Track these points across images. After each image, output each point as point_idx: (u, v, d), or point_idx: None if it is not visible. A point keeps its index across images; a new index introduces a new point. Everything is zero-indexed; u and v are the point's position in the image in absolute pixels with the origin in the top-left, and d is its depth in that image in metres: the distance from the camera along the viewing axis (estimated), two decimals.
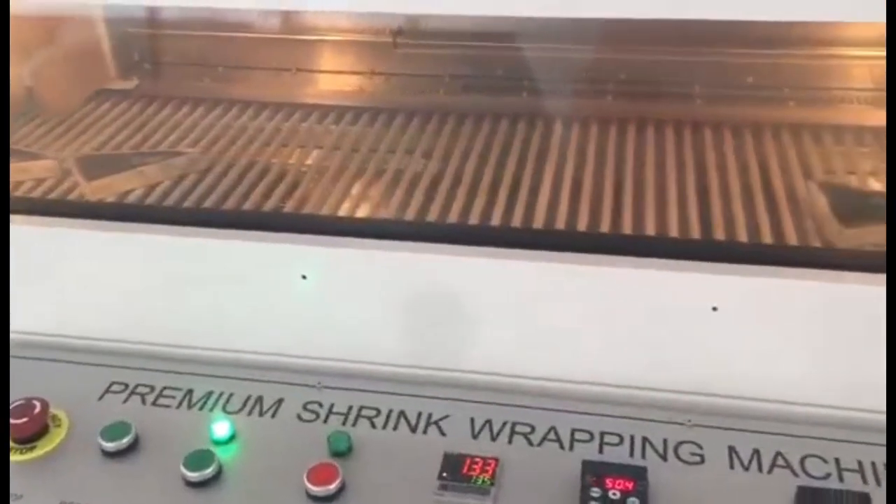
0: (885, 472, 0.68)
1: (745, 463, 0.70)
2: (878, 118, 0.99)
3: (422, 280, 0.78)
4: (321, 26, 1.22)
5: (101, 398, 0.80)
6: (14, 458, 0.74)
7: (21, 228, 0.82)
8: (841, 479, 0.68)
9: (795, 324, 0.71)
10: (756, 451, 0.71)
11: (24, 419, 0.74)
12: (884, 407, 0.67)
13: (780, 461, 0.70)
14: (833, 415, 0.73)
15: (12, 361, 0.84)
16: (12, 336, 0.86)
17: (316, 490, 0.68)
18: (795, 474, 0.69)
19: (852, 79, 1.05)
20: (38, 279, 0.85)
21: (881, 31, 0.59)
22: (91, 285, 0.85)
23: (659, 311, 0.74)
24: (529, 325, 0.78)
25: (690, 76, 1.09)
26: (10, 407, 0.75)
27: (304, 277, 0.79)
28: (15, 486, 0.71)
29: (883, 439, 0.70)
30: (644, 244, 0.79)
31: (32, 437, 0.75)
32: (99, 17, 1.26)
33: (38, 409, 0.75)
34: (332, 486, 0.68)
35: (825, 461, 0.70)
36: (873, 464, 0.70)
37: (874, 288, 0.67)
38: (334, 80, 1.22)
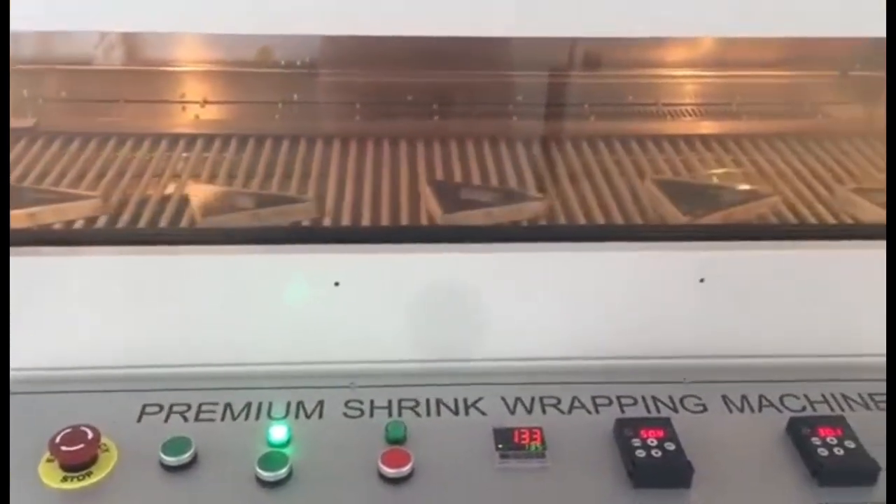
0: (845, 401, 0.85)
1: (740, 406, 0.84)
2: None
3: (439, 280, 0.86)
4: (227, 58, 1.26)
5: (139, 420, 0.81)
6: (69, 486, 0.73)
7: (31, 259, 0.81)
8: (814, 409, 0.84)
9: (764, 289, 0.87)
10: (744, 397, 0.85)
11: (80, 446, 0.73)
12: (838, 351, 0.84)
13: (765, 402, 0.85)
14: (798, 362, 0.89)
15: (31, 398, 0.83)
16: (32, 373, 0.84)
17: (392, 472, 0.74)
18: (779, 410, 0.84)
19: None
20: (48, 313, 0.84)
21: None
22: (104, 312, 0.84)
23: (654, 286, 0.86)
24: (539, 311, 0.87)
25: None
26: (60, 436, 0.74)
27: (336, 284, 0.84)
28: None
29: (833, 377, 0.87)
30: (635, 230, 0.92)
31: (86, 464, 0.74)
32: None
33: (91, 436, 0.74)
34: (406, 468, 0.74)
35: (797, 398, 0.85)
36: (833, 395, 0.86)
37: (831, 252, 0.84)
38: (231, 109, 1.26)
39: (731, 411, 0.84)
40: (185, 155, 1.14)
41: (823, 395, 0.86)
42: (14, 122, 1.20)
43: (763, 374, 0.87)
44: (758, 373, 0.88)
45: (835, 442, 0.77)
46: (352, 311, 0.85)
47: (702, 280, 0.86)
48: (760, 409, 0.84)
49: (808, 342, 0.88)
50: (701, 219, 0.95)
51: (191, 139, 1.17)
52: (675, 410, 0.84)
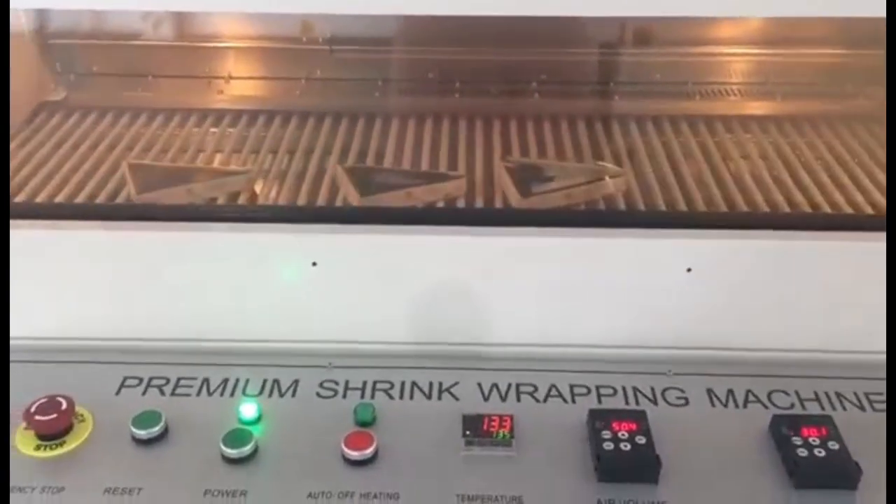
0: (838, 400, 0.81)
1: (724, 401, 0.81)
2: None
3: (419, 263, 0.85)
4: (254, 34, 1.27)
5: (118, 393, 0.82)
6: (42, 454, 0.75)
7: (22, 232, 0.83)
8: (803, 407, 0.80)
9: (755, 280, 0.83)
10: (730, 391, 0.82)
11: (53, 416, 0.75)
12: (829, 346, 0.80)
13: (752, 397, 0.81)
14: (789, 357, 0.85)
15: (17, 366, 0.85)
16: (14, 342, 0.86)
17: (354, 455, 0.74)
18: (766, 407, 0.80)
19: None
20: (39, 282, 0.86)
21: None
22: (92, 285, 0.86)
23: (639, 275, 0.83)
24: (520, 297, 0.86)
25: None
26: (35, 405, 0.76)
27: (314, 265, 0.84)
28: (52, 480, 0.72)
29: (827, 374, 0.83)
30: (622, 217, 0.89)
31: (60, 434, 0.76)
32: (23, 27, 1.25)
33: (64, 406, 0.76)
34: (369, 451, 0.74)
35: (787, 394, 0.82)
36: (826, 393, 0.82)
37: (821, 243, 0.79)
38: (266, 85, 1.27)
39: (714, 405, 0.81)
40: (195, 130, 1.15)
41: (816, 393, 0.82)
42: (46, 96, 1.24)
43: (752, 369, 0.84)
44: (746, 367, 0.84)
45: (817, 442, 0.73)
46: (330, 292, 0.85)
47: (689, 270, 0.82)
48: (746, 405, 0.81)
49: (802, 336, 0.84)
50: (540, 199, 0.93)
51: (217, 114, 1.19)
52: (655, 403, 0.81)
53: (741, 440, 0.77)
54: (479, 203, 0.95)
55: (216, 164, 1.07)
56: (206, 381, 0.84)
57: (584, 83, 1.24)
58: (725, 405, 0.81)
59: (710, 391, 0.82)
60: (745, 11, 0.73)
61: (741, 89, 1.23)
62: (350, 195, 0.94)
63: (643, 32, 1.20)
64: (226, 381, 0.84)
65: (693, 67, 1.21)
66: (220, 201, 0.96)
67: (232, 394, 0.82)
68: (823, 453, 0.72)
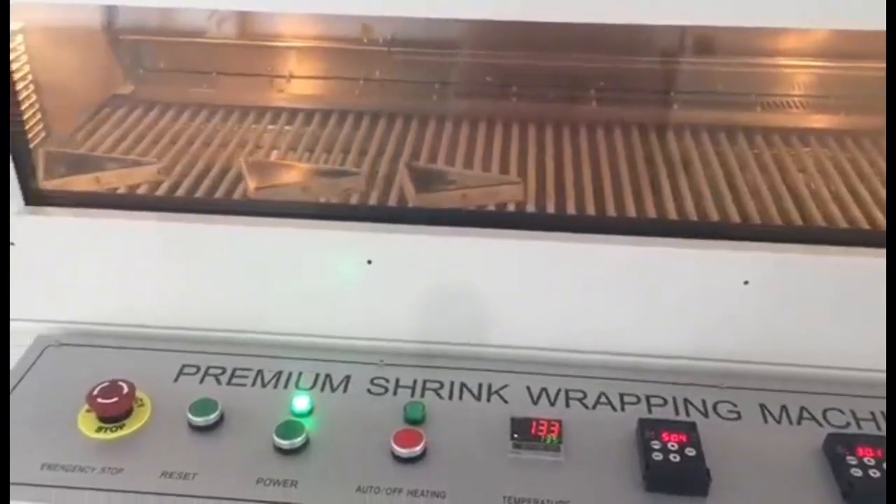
0: None
1: (777, 417, 0.80)
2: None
3: (473, 265, 0.85)
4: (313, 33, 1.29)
5: (176, 380, 0.85)
6: (102, 436, 0.77)
7: (85, 221, 0.87)
8: (859, 426, 0.79)
9: (813, 295, 0.82)
10: (784, 407, 0.81)
11: (114, 399, 0.78)
12: (883, 366, 0.78)
13: (806, 415, 0.80)
14: (846, 375, 0.83)
15: (77, 351, 0.88)
16: (79, 326, 0.90)
17: (403, 452, 0.75)
18: (820, 425, 0.79)
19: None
20: (106, 270, 0.89)
21: None
22: (155, 276, 0.89)
23: (696, 286, 0.83)
24: (573, 303, 0.86)
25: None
26: (98, 388, 0.79)
27: (369, 263, 0.85)
28: (112, 461, 0.75)
29: (884, 394, 0.81)
30: (681, 226, 0.88)
31: (120, 417, 0.79)
32: (98, 23, 1.29)
33: (126, 390, 0.79)
34: (418, 448, 0.75)
35: (843, 413, 0.80)
36: (883, 413, 0.80)
37: (881, 261, 0.78)
38: (325, 85, 1.29)
39: (766, 421, 0.80)
40: (270, 128, 1.18)
41: (872, 413, 0.80)
42: (115, 90, 1.28)
43: (807, 386, 0.83)
44: (801, 383, 0.83)
45: (872, 463, 0.72)
46: (384, 290, 0.86)
47: (746, 282, 0.81)
48: (800, 422, 0.80)
49: (860, 355, 0.82)
50: (433, 197, 0.94)
51: (276, 112, 1.21)
52: (706, 415, 0.80)
53: (794, 457, 0.76)
54: (532, 208, 0.95)
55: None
56: (260, 372, 0.86)
57: (643, 91, 1.24)
58: (778, 421, 0.80)
59: (762, 406, 0.81)
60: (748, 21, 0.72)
61: (803, 102, 1.21)
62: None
63: (706, 41, 1.19)
64: (279, 373, 0.85)
65: (756, 78, 1.19)
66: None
67: (285, 386, 0.84)
68: (879, 474, 0.71)
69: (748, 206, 0.92)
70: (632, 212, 0.92)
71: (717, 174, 1.00)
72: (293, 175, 1.02)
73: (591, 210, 0.93)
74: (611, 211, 0.93)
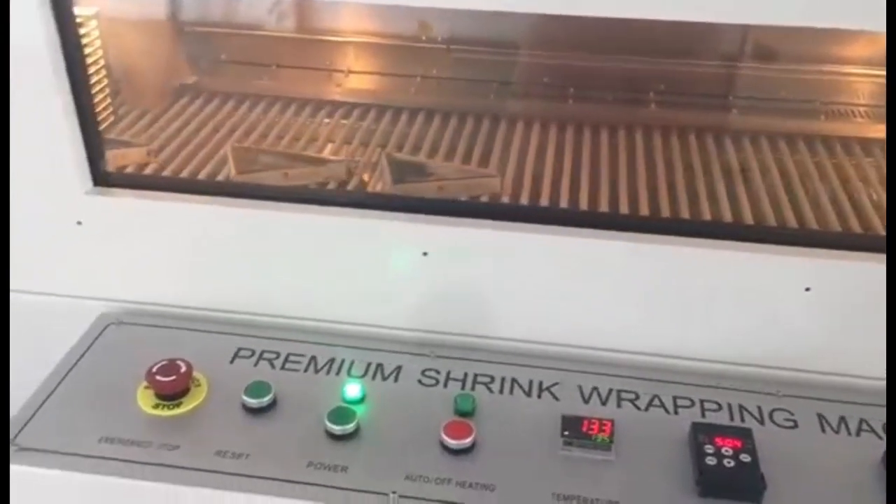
0: None
1: (835, 427, 0.78)
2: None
3: (531, 261, 0.85)
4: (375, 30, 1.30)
5: (232, 362, 0.86)
6: (160, 412, 0.79)
7: (150, 204, 0.89)
8: None
9: (876, 305, 0.80)
10: (843, 418, 0.79)
11: (172, 377, 0.79)
12: None
13: (865, 427, 0.78)
14: None
15: (137, 329, 0.90)
16: (140, 306, 0.92)
17: (453, 443, 0.75)
18: (880, 437, 0.77)
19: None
20: (168, 253, 0.90)
21: None
22: (214, 259, 0.90)
23: (756, 290, 0.81)
24: (629, 304, 0.85)
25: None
26: (157, 366, 0.81)
27: (424, 254, 0.86)
28: (168, 437, 0.76)
29: None
30: (743, 230, 0.87)
31: (177, 395, 0.80)
32: (163, 15, 1.32)
33: (184, 369, 0.80)
34: (468, 441, 0.75)
35: None
36: None
37: None
38: (382, 81, 1.30)
39: (824, 431, 0.78)
40: (327, 121, 1.19)
41: None
42: (178, 80, 1.31)
43: (867, 397, 0.81)
44: (862, 395, 0.81)
45: None
46: (438, 282, 0.87)
47: (808, 289, 0.80)
48: (859, 434, 0.78)
49: None
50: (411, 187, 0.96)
51: (332, 106, 1.22)
52: (762, 422, 0.79)
53: (851, 469, 0.74)
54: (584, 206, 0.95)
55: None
56: (313, 358, 0.87)
57: (703, 95, 1.22)
58: (837, 432, 0.78)
59: (820, 416, 0.80)
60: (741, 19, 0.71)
61: (867, 111, 1.18)
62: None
63: (768, 47, 1.18)
64: (332, 360, 0.86)
65: (821, 86, 1.17)
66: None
67: (337, 373, 0.85)
68: None
69: (807, 215, 0.91)
70: (685, 215, 0.91)
71: (775, 182, 0.99)
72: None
73: (644, 212, 0.93)
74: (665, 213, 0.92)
